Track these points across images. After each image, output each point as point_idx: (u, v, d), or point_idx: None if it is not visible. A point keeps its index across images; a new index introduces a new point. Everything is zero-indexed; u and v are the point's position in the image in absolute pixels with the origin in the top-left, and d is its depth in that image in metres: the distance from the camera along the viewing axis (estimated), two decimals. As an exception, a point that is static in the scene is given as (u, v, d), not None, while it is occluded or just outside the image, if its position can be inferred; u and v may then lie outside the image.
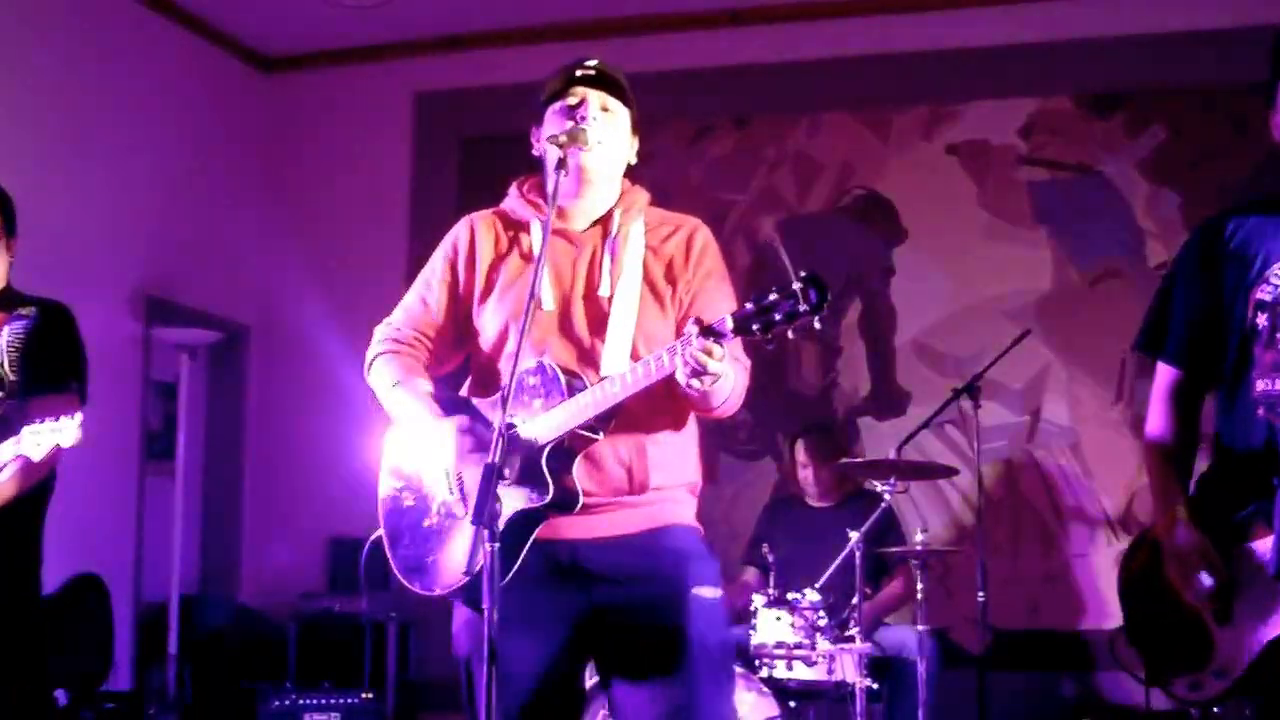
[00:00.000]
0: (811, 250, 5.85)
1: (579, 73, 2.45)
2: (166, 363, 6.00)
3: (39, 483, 3.17)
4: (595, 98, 2.43)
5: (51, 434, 2.94)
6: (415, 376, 2.48)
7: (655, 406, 2.31)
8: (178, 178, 6.16)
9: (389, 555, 2.45)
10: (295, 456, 6.41)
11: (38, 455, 2.97)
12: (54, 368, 3.22)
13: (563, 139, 2.35)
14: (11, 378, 3.16)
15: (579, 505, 2.26)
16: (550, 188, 2.35)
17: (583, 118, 2.40)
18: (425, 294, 2.54)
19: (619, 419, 2.28)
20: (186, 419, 5.86)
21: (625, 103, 2.47)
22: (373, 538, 2.47)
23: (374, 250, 6.43)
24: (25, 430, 2.95)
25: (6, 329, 3.21)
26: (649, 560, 2.34)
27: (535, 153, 2.48)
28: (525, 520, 2.25)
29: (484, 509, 2.03)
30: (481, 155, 6.28)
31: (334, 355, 6.38)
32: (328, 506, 6.29)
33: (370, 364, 2.55)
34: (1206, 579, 2.31)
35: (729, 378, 2.20)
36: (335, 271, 6.45)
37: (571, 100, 2.43)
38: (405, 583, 2.41)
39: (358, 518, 6.11)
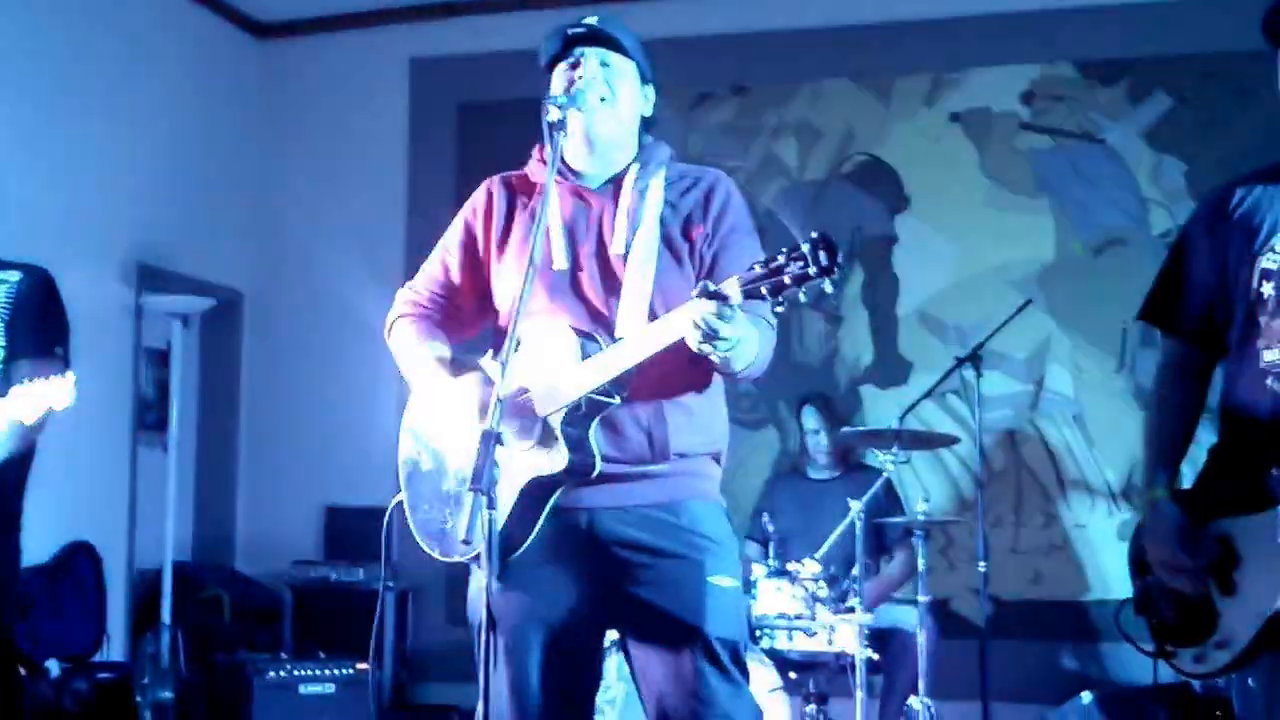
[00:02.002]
0: (813, 218, 5.79)
1: (572, 31, 2.39)
2: (159, 330, 5.95)
3: (23, 450, 3.12)
4: (593, 55, 2.37)
5: (44, 395, 2.89)
6: (433, 340, 2.44)
7: (676, 369, 2.23)
8: (170, 144, 6.09)
9: (409, 520, 2.40)
10: (290, 424, 6.37)
11: (31, 418, 2.92)
12: (41, 335, 3.17)
13: (561, 100, 2.30)
14: None
15: (597, 471, 2.21)
16: (551, 151, 2.29)
17: (580, 78, 2.34)
18: (445, 257, 2.50)
19: (638, 382, 2.21)
20: (180, 387, 5.81)
21: (629, 54, 2.40)
22: (394, 502, 2.42)
23: (370, 217, 6.38)
24: (15, 390, 2.90)
25: None
26: (666, 539, 2.28)
27: (549, 119, 2.37)
28: (542, 486, 2.20)
29: (482, 475, 1.98)
30: (478, 121, 6.22)
31: (329, 322, 6.35)
32: (323, 474, 6.27)
33: (390, 327, 2.52)
34: (1184, 559, 2.29)
35: (749, 341, 2.14)
36: (330, 238, 6.40)
37: (569, 61, 2.38)
38: (425, 548, 2.35)
39: (353, 485, 6.19)
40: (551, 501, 2.22)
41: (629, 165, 2.39)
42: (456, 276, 2.48)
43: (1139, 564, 2.45)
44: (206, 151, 6.34)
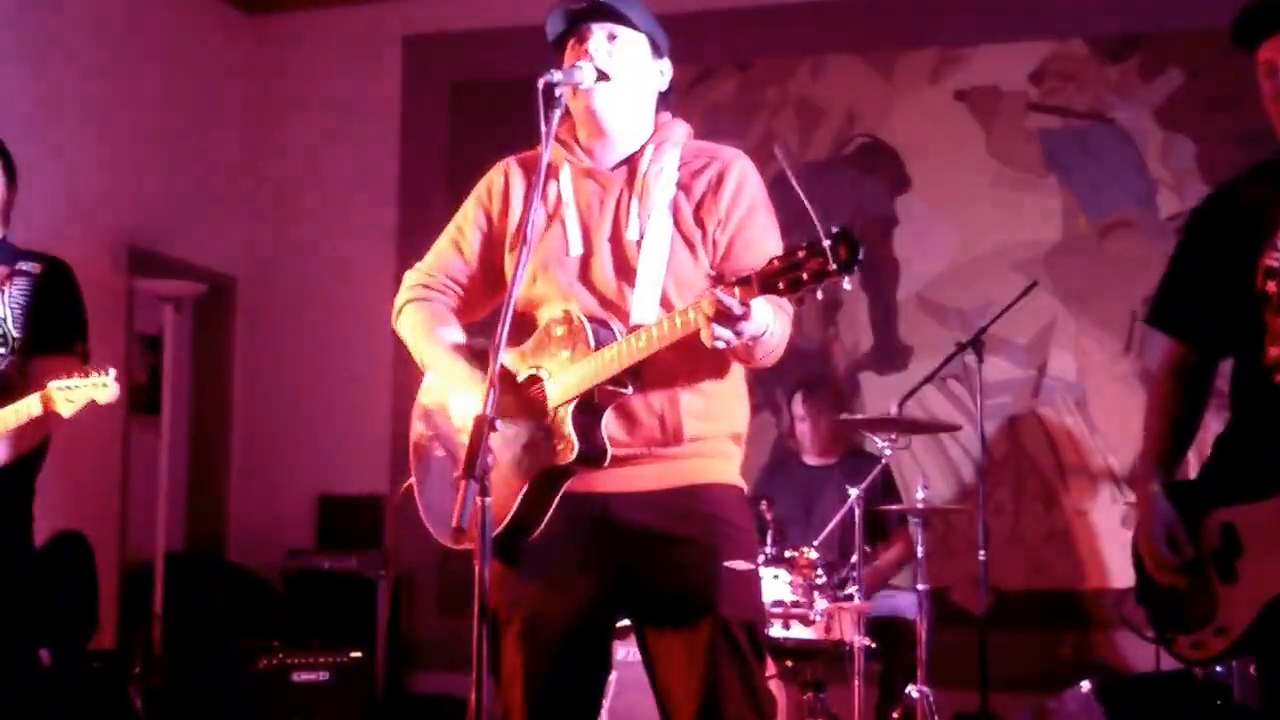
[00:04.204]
0: (813, 199, 5.71)
1: (575, 7, 2.32)
2: (151, 315, 5.89)
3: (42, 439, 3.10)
4: (600, 30, 2.30)
5: (85, 390, 2.87)
6: (444, 325, 2.39)
7: (691, 355, 2.17)
8: (160, 125, 6.04)
9: (419, 506, 2.37)
10: (283, 411, 6.33)
11: (69, 412, 2.91)
12: (61, 327, 3.16)
13: (557, 78, 2.22)
14: (16, 335, 3.07)
15: (607, 461, 2.18)
16: (544, 130, 2.21)
17: (584, 54, 2.28)
18: (458, 238, 2.44)
19: (651, 368, 2.17)
20: (172, 372, 5.76)
21: (639, 27, 2.32)
22: (404, 487, 2.38)
23: (363, 198, 6.33)
24: (53, 386, 2.87)
25: (11, 285, 3.12)
26: (681, 523, 2.24)
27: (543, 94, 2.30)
28: (552, 476, 2.18)
29: (474, 463, 1.93)
30: (472, 99, 6.16)
31: (323, 307, 6.30)
32: (316, 462, 6.23)
33: (399, 310, 2.46)
34: (1169, 555, 2.32)
35: (772, 333, 2.11)
36: (324, 220, 6.36)
37: (574, 37, 2.32)
38: (435, 535, 2.31)
39: (347, 474, 6.15)
40: (562, 489, 2.19)
41: (644, 146, 2.33)
42: (469, 258, 2.42)
43: (1139, 554, 2.45)
44: (198, 132, 6.28)
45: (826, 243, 1.87)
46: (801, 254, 1.90)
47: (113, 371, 2.93)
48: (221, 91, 6.45)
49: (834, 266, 1.86)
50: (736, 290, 1.95)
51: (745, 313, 1.97)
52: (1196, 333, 2.42)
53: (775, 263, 1.93)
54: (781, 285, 1.91)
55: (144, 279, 5.76)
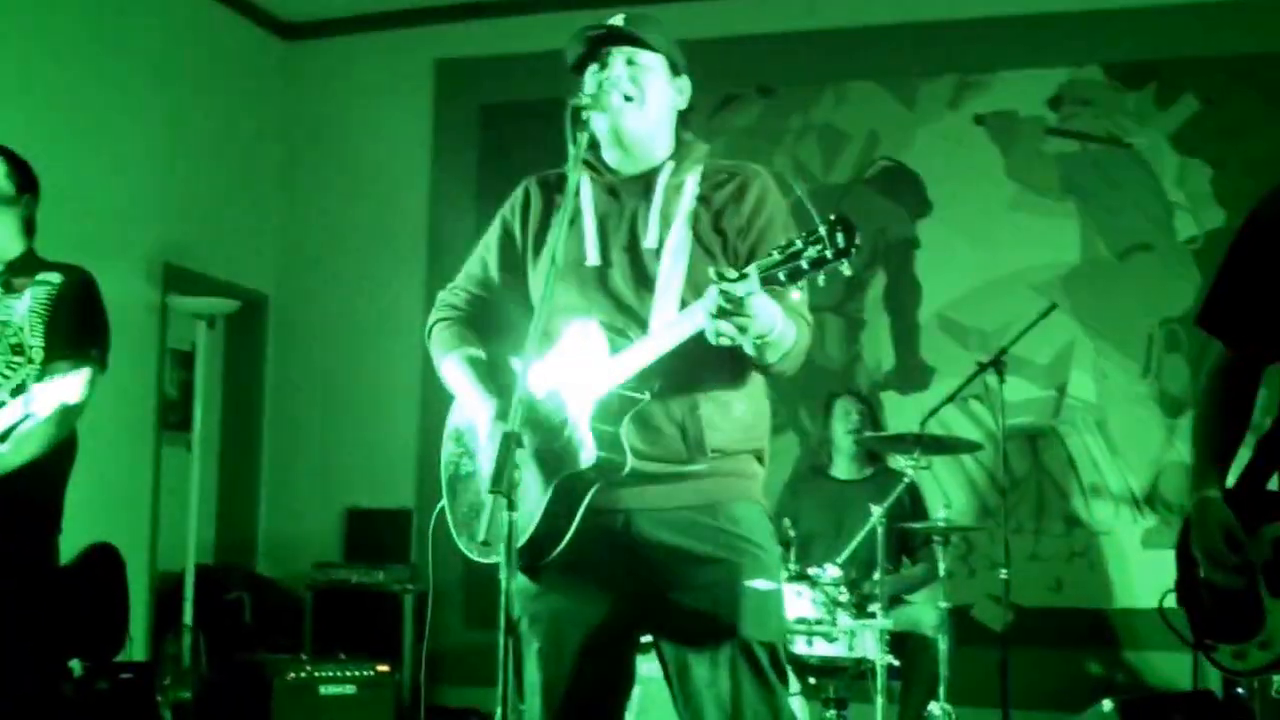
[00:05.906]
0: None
1: (592, 33, 2.37)
2: (184, 331, 5.98)
3: (57, 449, 3.14)
4: (619, 54, 2.35)
5: (58, 391, 2.91)
6: (465, 343, 2.43)
7: (709, 362, 2.20)
8: (196, 145, 6.12)
9: (450, 523, 2.40)
10: (313, 426, 6.39)
11: (43, 411, 2.94)
12: (75, 336, 3.20)
13: (585, 101, 2.29)
14: (33, 344, 3.12)
15: (628, 469, 2.18)
16: (573, 150, 2.26)
17: (606, 79, 2.33)
18: (485, 255, 2.49)
19: (671, 377, 2.19)
20: (204, 388, 5.83)
21: (656, 49, 2.37)
22: (438, 507, 2.42)
23: (394, 218, 6.40)
24: (35, 388, 2.93)
25: (29, 295, 3.18)
26: (704, 542, 2.25)
27: (570, 117, 2.36)
28: (573, 485, 2.19)
29: (501, 477, 1.94)
30: (502, 123, 6.23)
31: (353, 324, 6.37)
32: (345, 477, 6.29)
33: (430, 330, 2.51)
34: (1228, 554, 2.30)
35: (782, 333, 2.12)
36: (355, 240, 6.43)
37: (595, 63, 2.36)
38: (464, 550, 2.34)
39: (374, 488, 6.21)
40: (586, 501, 2.19)
41: (665, 161, 2.38)
42: (495, 275, 2.46)
43: (1184, 557, 2.45)
44: (232, 152, 6.36)
45: (823, 229, 1.88)
46: (799, 243, 1.92)
47: (86, 371, 2.91)
48: (257, 112, 6.54)
49: (832, 253, 1.88)
50: (735, 284, 1.96)
51: (745, 306, 1.98)
52: (1245, 337, 2.41)
53: (774, 253, 1.95)
54: (782, 275, 1.93)
55: (178, 295, 5.84)
